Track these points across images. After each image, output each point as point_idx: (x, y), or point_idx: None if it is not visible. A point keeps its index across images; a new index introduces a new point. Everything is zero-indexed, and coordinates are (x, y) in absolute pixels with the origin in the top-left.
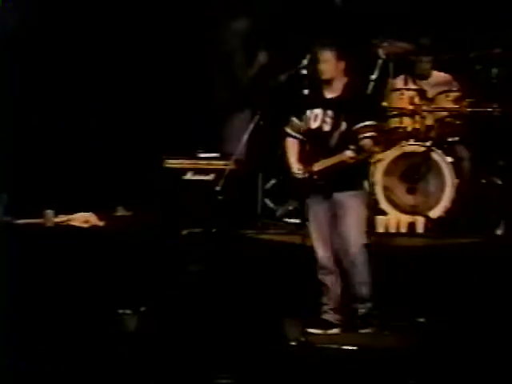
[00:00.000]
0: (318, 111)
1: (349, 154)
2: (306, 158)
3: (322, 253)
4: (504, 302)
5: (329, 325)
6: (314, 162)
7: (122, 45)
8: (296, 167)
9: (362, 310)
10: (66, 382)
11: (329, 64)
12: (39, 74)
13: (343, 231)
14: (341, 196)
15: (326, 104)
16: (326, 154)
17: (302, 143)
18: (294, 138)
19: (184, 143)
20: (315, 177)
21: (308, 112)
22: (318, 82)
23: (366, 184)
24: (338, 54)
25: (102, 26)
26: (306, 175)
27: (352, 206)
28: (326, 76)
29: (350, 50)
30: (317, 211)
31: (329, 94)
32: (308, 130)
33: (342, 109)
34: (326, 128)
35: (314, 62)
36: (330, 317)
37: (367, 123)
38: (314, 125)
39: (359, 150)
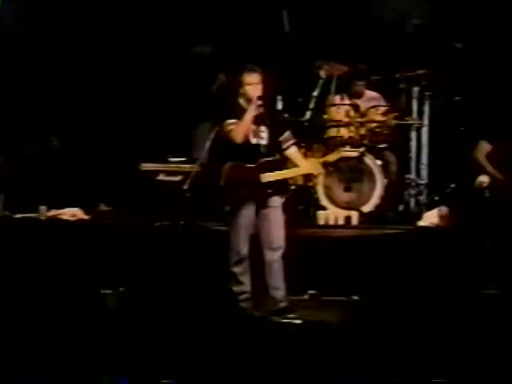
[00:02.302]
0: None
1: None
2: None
3: (243, 247)
4: (425, 280)
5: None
6: (241, 171)
7: (109, 63)
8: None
9: (276, 307)
10: (56, 353)
11: (257, 86)
12: (28, 76)
13: (267, 234)
14: (271, 201)
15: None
16: (253, 164)
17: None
18: None
19: (157, 150)
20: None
21: None
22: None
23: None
24: (265, 77)
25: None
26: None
27: (278, 212)
28: (253, 95)
29: (281, 72)
30: (247, 213)
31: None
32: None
33: (263, 124)
34: (253, 141)
35: (244, 83)
36: (246, 304)
37: (286, 135)
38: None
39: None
